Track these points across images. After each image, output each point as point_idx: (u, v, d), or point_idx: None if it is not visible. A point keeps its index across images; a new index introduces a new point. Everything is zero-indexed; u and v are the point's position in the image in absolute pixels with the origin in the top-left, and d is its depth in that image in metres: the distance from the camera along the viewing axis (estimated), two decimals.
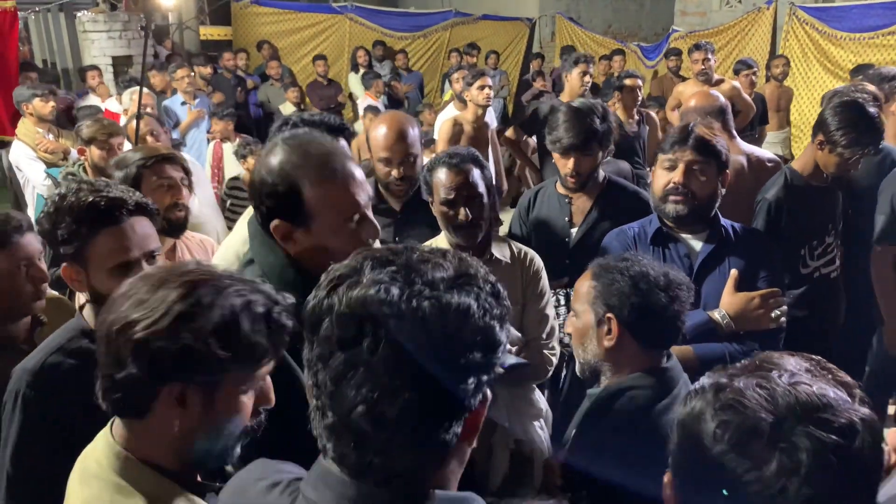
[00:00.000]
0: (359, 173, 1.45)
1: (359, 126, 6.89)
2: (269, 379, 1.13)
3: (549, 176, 4.31)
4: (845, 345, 2.95)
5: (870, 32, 7.50)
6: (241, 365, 1.05)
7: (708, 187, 2.09)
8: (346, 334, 0.76)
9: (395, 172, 2.47)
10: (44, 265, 1.89)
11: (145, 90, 4.28)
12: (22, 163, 4.75)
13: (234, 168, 5.29)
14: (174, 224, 2.34)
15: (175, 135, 6.12)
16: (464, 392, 0.78)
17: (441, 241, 2.25)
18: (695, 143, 2.07)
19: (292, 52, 10.59)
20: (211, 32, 10.88)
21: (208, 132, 6.22)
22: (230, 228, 2.99)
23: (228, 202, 4.77)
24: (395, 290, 0.76)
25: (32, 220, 1.89)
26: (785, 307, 2.03)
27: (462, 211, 2.12)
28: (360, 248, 1.41)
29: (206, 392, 1.04)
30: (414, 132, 2.52)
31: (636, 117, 4.83)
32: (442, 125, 4.82)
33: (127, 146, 3.43)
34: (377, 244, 1.53)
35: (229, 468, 1.16)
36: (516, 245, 2.31)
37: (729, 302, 1.99)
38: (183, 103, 6.47)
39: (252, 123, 8.00)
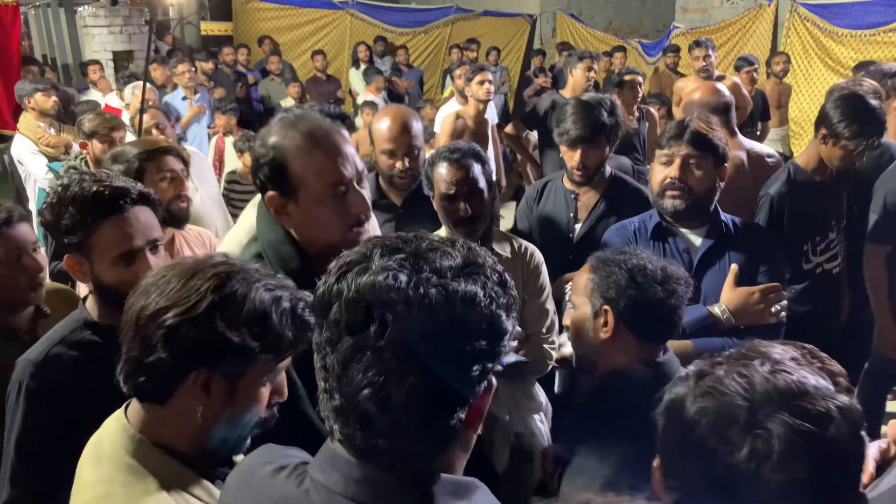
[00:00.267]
0: (348, 149, 1.48)
1: (357, 122, 6.88)
2: (283, 374, 1.16)
3: (550, 171, 4.32)
4: (848, 339, 2.96)
5: (871, 29, 7.50)
6: (267, 356, 1.08)
7: (705, 182, 2.08)
8: (354, 319, 0.78)
9: (398, 164, 2.49)
10: (41, 255, 1.89)
11: (147, 85, 4.29)
12: (24, 157, 4.76)
13: (236, 163, 5.28)
14: (177, 215, 2.35)
15: (176, 129, 6.12)
16: (469, 379, 0.80)
17: (442, 235, 2.26)
18: (690, 138, 2.07)
19: (293, 48, 10.58)
20: (212, 28, 10.88)
21: (209, 127, 6.22)
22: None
23: (227, 196, 4.78)
24: (402, 277, 0.77)
25: (34, 213, 1.89)
26: (785, 302, 2.03)
27: (462, 206, 2.13)
28: (348, 220, 1.46)
29: (230, 381, 1.07)
30: (417, 125, 2.54)
31: (636, 114, 4.84)
32: (444, 120, 4.82)
33: (131, 140, 3.43)
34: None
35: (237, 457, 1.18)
36: (517, 240, 2.32)
37: (729, 297, 1.99)
38: (184, 98, 6.47)
39: (255, 118, 8.00)
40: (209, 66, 8.06)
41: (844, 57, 7.64)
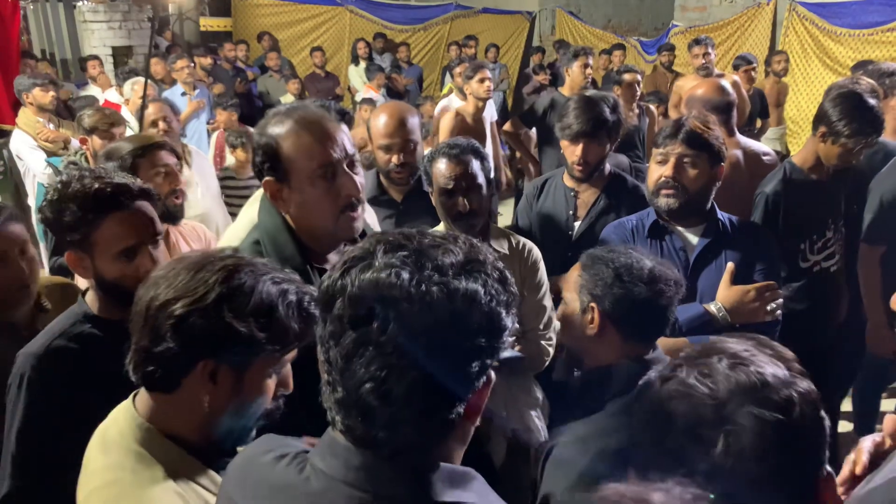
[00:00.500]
0: (337, 134, 1.52)
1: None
2: (289, 366, 1.18)
3: (548, 168, 4.33)
4: (845, 338, 2.97)
5: (869, 29, 7.51)
6: (273, 348, 1.10)
7: (700, 180, 2.09)
8: (357, 314, 0.79)
9: (395, 159, 2.50)
10: (31, 256, 1.87)
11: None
12: (23, 152, 4.76)
13: None
14: (172, 210, 2.36)
15: None
16: (468, 374, 0.82)
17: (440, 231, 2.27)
18: (685, 137, 2.08)
19: (292, 44, 10.58)
20: (211, 24, 10.87)
21: (208, 123, 6.21)
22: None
23: (222, 193, 4.76)
24: (405, 275, 0.79)
25: (33, 208, 1.89)
26: (781, 300, 2.03)
27: (461, 201, 2.14)
28: (339, 202, 1.50)
29: (237, 371, 1.09)
30: (413, 120, 2.56)
31: (635, 111, 4.86)
32: (443, 118, 4.83)
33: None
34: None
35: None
36: (514, 237, 2.33)
37: (725, 295, 2.00)
38: (183, 94, 6.45)
39: (257, 114, 8.00)
40: (208, 61, 8.04)
41: (843, 56, 7.65)
